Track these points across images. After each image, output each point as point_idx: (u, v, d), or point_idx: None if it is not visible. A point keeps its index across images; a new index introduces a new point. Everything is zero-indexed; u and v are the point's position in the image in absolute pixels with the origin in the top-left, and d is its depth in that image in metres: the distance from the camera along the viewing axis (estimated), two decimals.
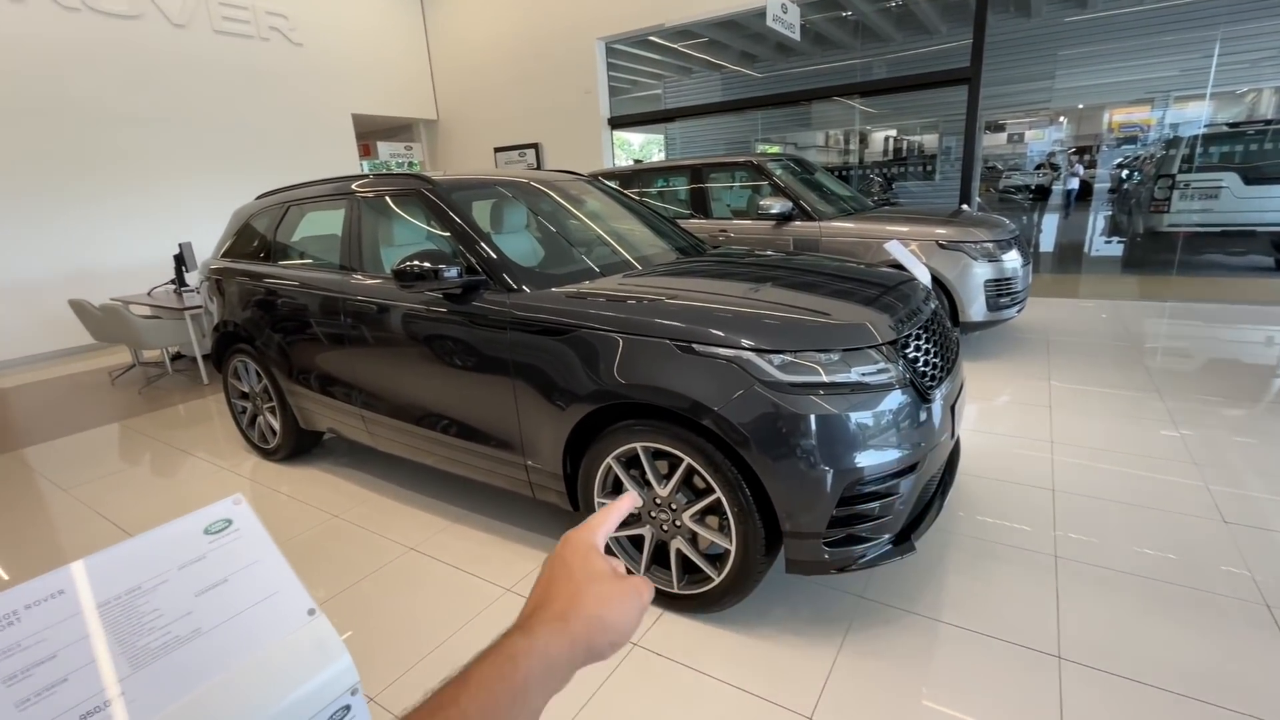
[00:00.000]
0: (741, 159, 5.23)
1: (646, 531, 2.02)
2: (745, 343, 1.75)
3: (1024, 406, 3.55)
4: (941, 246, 4.27)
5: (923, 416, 1.82)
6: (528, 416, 2.18)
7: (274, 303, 3.11)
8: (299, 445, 3.41)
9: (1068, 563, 2.15)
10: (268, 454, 3.52)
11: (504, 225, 2.85)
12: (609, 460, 2.00)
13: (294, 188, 3.33)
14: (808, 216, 4.72)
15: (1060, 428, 3.23)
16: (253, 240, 3.44)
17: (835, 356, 1.75)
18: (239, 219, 3.60)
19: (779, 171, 5.05)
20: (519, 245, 2.81)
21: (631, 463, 2.00)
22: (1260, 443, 2.94)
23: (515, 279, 2.26)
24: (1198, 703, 1.57)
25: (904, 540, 1.82)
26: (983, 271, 4.23)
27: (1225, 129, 7.13)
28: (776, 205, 4.68)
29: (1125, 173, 11.21)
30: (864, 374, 1.75)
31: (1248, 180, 6.72)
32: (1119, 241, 9.94)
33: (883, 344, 1.82)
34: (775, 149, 10.81)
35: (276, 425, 3.36)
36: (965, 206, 5.74)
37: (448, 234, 2.47)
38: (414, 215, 2.79)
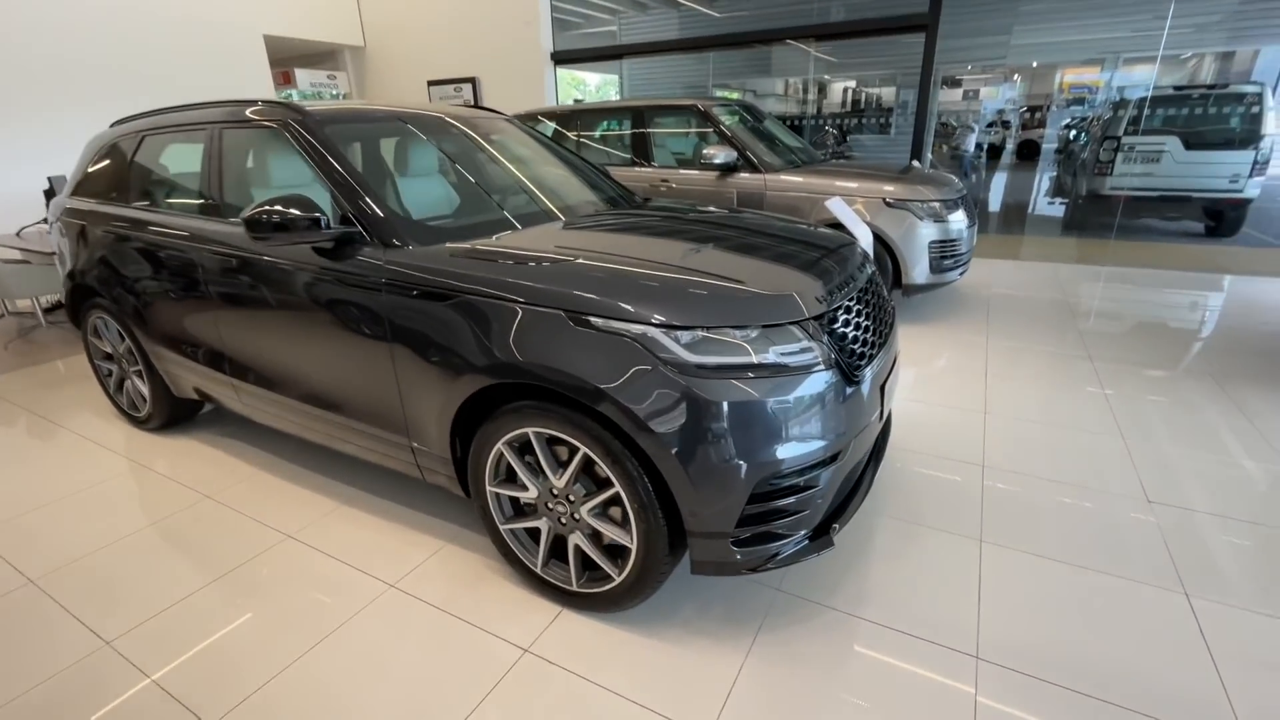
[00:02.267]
0: (686, 102, 4.84)
1: (543, 524, 1.80)
2: (647, 316, 1.50)
3: (959, 373, 3.46)
4: (888, 205, 4.08)
5: (848, 400, 1.62)
6: (410, 394, 1.89)
7: (128, 252, 2.65)
8: (175, 414, 3.02)
9: (992, 547, 2.05)
10: (140, 423, 3.11)
11: (396, 168, 2.47)
12: (499, 445, 1.75)
13: (152, 114, 2.82)
14: (753, 168, 4.44)
15: (994, 396, 3.15)
16: (106, 176, 2.93)
17: (753, 333, 1.52)
18: (91, 150, 3.06)
19: (725, 118, 4.71)
20: (414, 192, 2.44)
21: (527, 448, 1.76)
22: (1171, 403, 3.07)
23: (396, 233, 1.92)
24: (1108, 705, 1.49)
25: (823, 533, 1.66)
26: (928, 232, 4.07)
27: (1171, 92, 7.11)
28: (720, 155, 4.37)
29: (1072, 134, 11.25)
30: (784, 354, 1.53)
31: (1188, 145, 6.76)
32: (1061, 203, 10.03)
33: (809, 319, 1.59)
34: (735, 95, 10.35)
35: (146, 391, 2.95)
36: (915, 163, 5.55)
37: (319, 176, 2.09)
38: (282, 152, 2.37)
